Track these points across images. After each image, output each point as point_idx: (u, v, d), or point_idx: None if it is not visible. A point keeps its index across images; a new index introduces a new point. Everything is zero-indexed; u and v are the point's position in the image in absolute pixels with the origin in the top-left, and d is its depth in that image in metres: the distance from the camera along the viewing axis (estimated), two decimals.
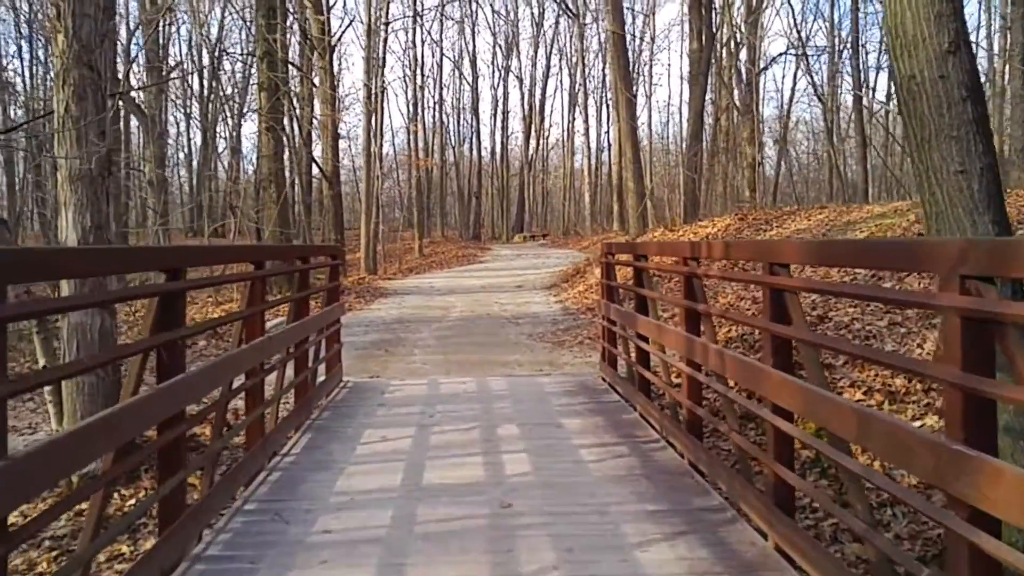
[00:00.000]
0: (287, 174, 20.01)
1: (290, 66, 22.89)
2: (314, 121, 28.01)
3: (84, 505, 4.23)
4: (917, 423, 5.93)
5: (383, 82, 27.97)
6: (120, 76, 17.35)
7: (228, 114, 40.05)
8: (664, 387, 5.93)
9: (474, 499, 4.58)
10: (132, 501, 6.04)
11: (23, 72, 36.28)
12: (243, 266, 5.52)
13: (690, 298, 5.20)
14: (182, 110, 43.55)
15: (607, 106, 53.49)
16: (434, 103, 50.58)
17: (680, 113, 47.46)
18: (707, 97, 22.49)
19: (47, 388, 6.72)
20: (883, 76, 40.64)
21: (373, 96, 25.39)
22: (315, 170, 28.15)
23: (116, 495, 6.13)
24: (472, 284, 19.63)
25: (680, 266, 5.27)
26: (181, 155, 46.02)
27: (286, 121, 25.44)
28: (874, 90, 36.23)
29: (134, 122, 33.16)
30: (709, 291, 10.90)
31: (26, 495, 2.52)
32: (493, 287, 18.60)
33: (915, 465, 2.37)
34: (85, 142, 6.59)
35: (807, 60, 27.22)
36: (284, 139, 16.21)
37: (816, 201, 27.70)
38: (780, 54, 34.91)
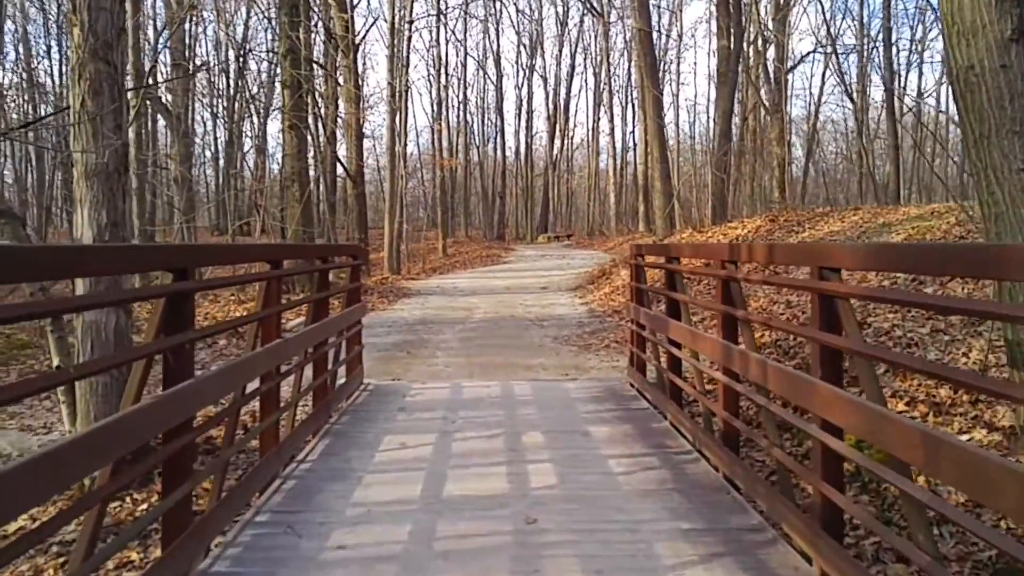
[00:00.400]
0: (311, 173, 19.90)
1: (314, 65, 22.79)
2: (338, 120, 27.94)
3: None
4: (964, 436, 5.62)
5: (407, 81, 27.83)
6: (144, 73, 17.33)
7: (254, 113, 40.20)
8: (697, 396, 5.65)
9: (497, 513, 4.34)
10: (144, 506, 5.86)
11: (52, 71, 36.62)
12: (263, 266, 5.31)
13: (728, 303, 4.92)
14: (209, 109, 43.76)
15: (632, 105, 53.11)
16: (458, 103, 50.50)
17: (708, 112, 46.96)
18: (735, 96, 22.08)
19: (60, 388, 6.57)
20: (914, 74, 39.83)
21: (397, 95, 25.24)
22: (339, 169, 28.09)
23: (128, 499, 5.96)
24: (496, 285, 19.39)
25: (717, 269, 5.00)
26: (208, 154, 46.23)
27: (310, 120, 25.38)
28: (905, 88, 35.57)
29: (162, 121, 33.34)
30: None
31: (15, 511, 2.32)
32: (517, 288, 18.35)
33: (1000, 500, 2.09)
34: (101, 137, 6.43)
35: (837, 57, 26.72)
36: (308, 137, 16.06)
37: (845, 203, 27.22)
38: (809, 52, 34.35)
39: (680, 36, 42.40)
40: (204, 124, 46.03)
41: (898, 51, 32.62)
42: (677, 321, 6.27)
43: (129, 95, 18.08)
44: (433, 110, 38.99)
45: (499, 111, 54.52)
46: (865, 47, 30.73)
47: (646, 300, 7.62)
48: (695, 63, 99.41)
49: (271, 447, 4.94)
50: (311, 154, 22.61)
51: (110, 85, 6.55)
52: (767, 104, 30.45)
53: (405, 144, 27.72)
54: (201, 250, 4.56)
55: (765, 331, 8.69)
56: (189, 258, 3.69)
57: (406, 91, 27.53)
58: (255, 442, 5.67)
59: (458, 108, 50.48)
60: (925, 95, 36.46)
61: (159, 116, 34.77)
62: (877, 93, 36.34)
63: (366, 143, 39.88)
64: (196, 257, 3.88)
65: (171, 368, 3.50)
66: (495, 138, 55.15)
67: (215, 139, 46.41)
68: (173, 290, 3.46)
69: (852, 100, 26.51)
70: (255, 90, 39.05)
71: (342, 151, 28.38)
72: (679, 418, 6.05)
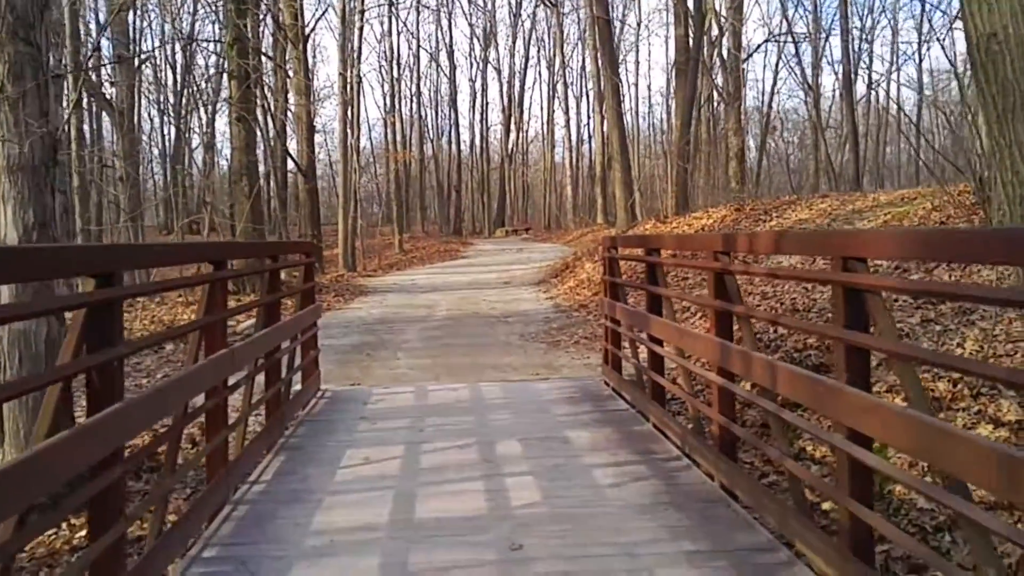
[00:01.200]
0: (261, 168, 19.19)
1: (262, 56, 22.01)
2: (288, 114, 27.15)
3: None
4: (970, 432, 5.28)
5: (359, 73, 27.12)
6: (82, 62, 16.46)
7: (201, 107, 39.02)
8: (686, 397, 5.24)
9: (477, 539, 3.87)
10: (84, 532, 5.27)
11: None
12: (207, 266, 4.75)
13: (722, 298, 4.51)
14: (156, 105, 42.45)
15: (587, 97, 52.87)
16: (411, 96, 49.79)
17: (665, 103, 46.87)
18: (695, 84, 21.79)
19: None
20: (864, 64, 40.10)
21: (349, 86, 24.56)
22: (291, 165, 27.30)
23: (65, 525, 5.36)
24: (457, 280, 18.88)
25: (710, 262, 4.58)
26: (156, 151, 44.86)
27: (259, 114, 24.58)
28: (858, 76, 35.74)
29: (109, 120, 32.13)
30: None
31: None
32: (479, 284, 17.85)
33: None
34: (23, 125, 5.81)
35: (795, 44, 26.65)
36: (256, 130, 15.38)
37: (801, 192, 27.17)
38: (766, 40, 34.28)
39: (639, 24, 42.11)
40: (151, 120, 44.68)
41: (853, 39, 32.71)
42: (660, 317, 5.86)
43: (68, 86, 17.20)
44: (386, 103, 38.30)
45: (453, 104, 53.90)
46: (819, 36, 30.78)
47: (622, 295, 7.20)
48: (649, 55, 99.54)
49: (219, 469, 4.40)
50: (261, 148, 21.86)
51: (33, 68, 5.92)
52: (723, 93, 30.34)
53: (358, 137, 27.04)
54: (128, 251, 4.00)
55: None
56: (115, 260, 3.15)
57: (358, 83, 26.83)
58: (203, 460, 5.13)
59: (411, 101, 49.80)
60: (876, 84, 36.76)
61: (104, 113, 33.55)
62: (828, 81, 36.51)
63: (318, 138, 39.03)
64: (123, 259, 3.33)
65: (96, 390, 2.97)
66: (449, 131, 54.56)
67: (163, 136, 45.06)
68: (95, 299, 2.93)
69: (809, 87, 26.46)
70: (203, 84, 37.91)
71: (293, 146, 27.64)
72: (664, 421, 5.64)
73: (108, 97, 27.48)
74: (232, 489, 4.55)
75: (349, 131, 23.60)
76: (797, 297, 8.32)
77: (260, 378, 5.77)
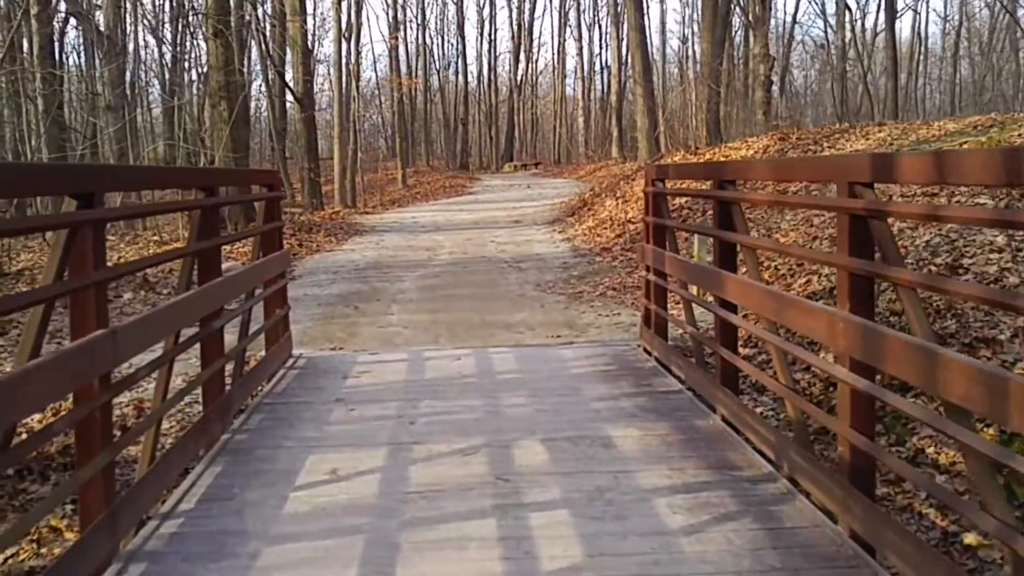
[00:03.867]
0: (257, 103, 17.44)
1: None
2: (286, 38, 25.21)
3: None
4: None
5: None
6: None
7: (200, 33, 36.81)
8: (789, 397, 3.67)
9: None
10: None
11: None
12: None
13: (862, 254, 2.94)
14: (153, 34, 40.16)
15: (600, 26, 50.43)
16: (417, 25, 47.38)
17: (689, 27, 44.51)
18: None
19: None
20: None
21: None
22: (289, 96, 25.43)
23: None
24: (462, 219, 17.22)
25: (842, 199, 2.99)
26: (157, 84, 42.68)
27: (253, 37, 22.68)
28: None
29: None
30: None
31: None
32: (486, 222, 16.21)
33: None
34: None
35: None
36: (234, 46, 13.63)
37: (828, 122, 25.19)
38: None
39: None
40: (149, 49, 42.37)
41: None
42: (735, 275, 4.29)
43: None
44: (390, 25, 36.08)
45: (460, 31, 51.34)
46: None
47: (671, 242, 5.61)
48: None
49: (97, 511, 2.89)
50: (247, 69, 20.05)
51: None
52: (749, 18, 28.19)
53: (358, 58, 25.11)
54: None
55: (808, 275, 6.75)
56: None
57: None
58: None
59: (417, 30, 47.39)
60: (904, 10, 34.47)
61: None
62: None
63: (321, 69, 37.03)
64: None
65: None
66: (456, 61, 52.12)
67: (162, 66, 42.80)
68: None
69: (848, 8, 24.34)
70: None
71: (290, 75, 25.72)
72: (743, 417, 4.12)
73: (93, 20, 25.55)
74: (120, 539, 3.05)
75: (346, 50, 21.68)
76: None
77: (198, 361, 4.27)
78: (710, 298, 5.03)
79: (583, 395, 5.03)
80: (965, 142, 9.56)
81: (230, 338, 4.88)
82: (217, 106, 13.37)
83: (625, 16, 19.42)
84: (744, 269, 4.33)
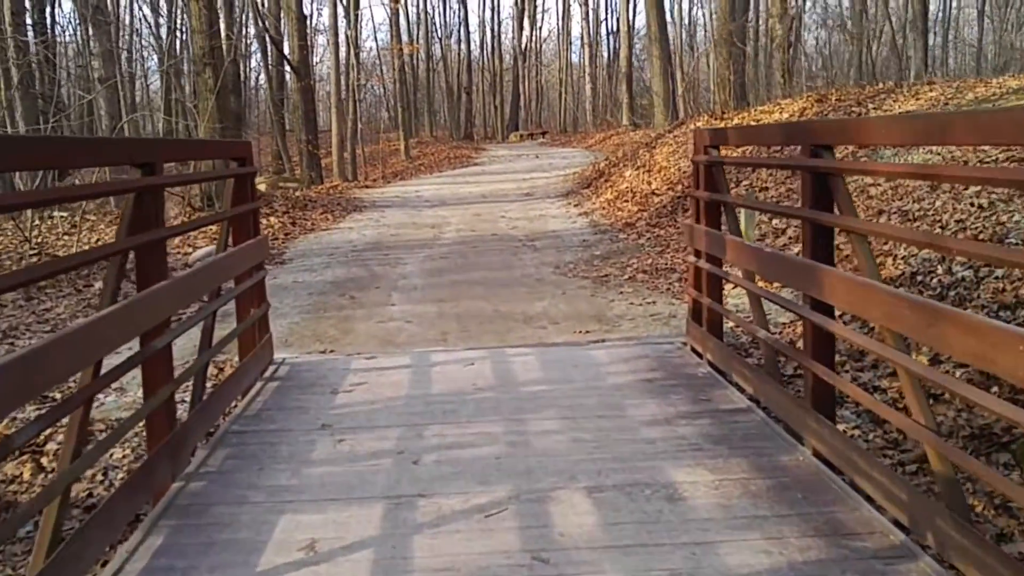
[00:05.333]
0: (257, 73, 16.32)
1: None
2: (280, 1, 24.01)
3: None
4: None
5: None
6: None
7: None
8: (944, 448, 2.64)
9: None
10: None
11: None
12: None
13: None
14: (149, 6, 38.72)
15: None
16: None
17: None
18: None
19: None
20: None
21: None
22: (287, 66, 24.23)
23: None
24: (469, 192, 16.12)
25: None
26: (155, 58, 41.30)
27: (250, 10, 21.49)
28: None
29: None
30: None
31: None
32: (495, 195, 15.11)
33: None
34: None
35: None
36: (220, 6, 12.52)
37: (844, 83, 23.91)
38: None
39: None
40: (146, 22, 40.97)
41: None
42: (841, 271, 3.26)
43: None
44: None
45: None
46: None
47: (731, 221, 4.57)
48: None
49: None
50: (243, 35, 18.91)
51: None
52: None
53: (357, 24, 23.91)
54: None
55: (894, 258, 5.71)
56: None
57: None
58: None
59: None
60: None
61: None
62: None
63: (320, 40, 35.74)
64: None
65: None
66: (458, 29, 50.68)
67: (158, 38, 41.45)
68: None
69: None
70: None
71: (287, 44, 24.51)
72: (851, 459, 3.11)
73: None
74: None
75: (340, 12, 20.48)
76: None
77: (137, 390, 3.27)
78: (785, 292, 4.02)
79: (629, 416, 4.04)
80: None
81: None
82: (202, 73, 12.29)
83: None
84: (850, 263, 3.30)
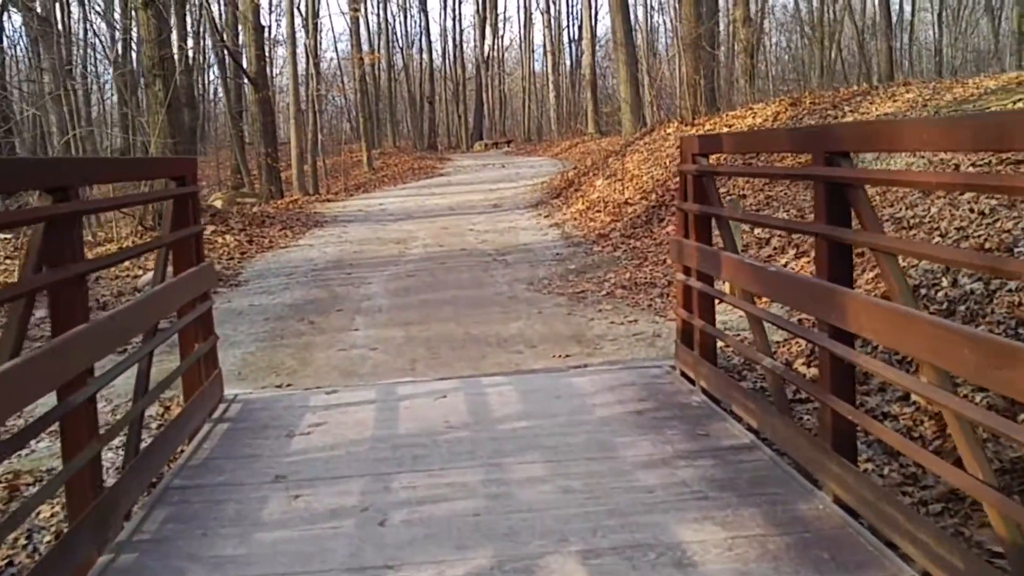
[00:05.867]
0: (215, 85, 15.68)
1: None
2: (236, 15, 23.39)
3: None
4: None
5: None
6: None
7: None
8: (1010, 508, 2.23)
9: None
10: None
11: None
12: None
13: None
14: (103, 19, 37.68)
15: None
16: (378, 2, 45.33)
17: None
18: None
19: None
20: None
21: None
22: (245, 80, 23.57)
23: None
24: (435, 204, 15.63)
25: None
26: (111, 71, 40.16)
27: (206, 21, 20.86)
28: None
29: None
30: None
31: None
32: (463, 207, 14.64)
33: None
34: None
35: None
36: (172, 17, 11.95)
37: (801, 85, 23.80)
38: None
39: None
40: (101, 37, 39.96)
41: None
42: (866, 296, 2.87)
43: None
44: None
45: (423, 7, 49.37)
46: None
47: (727, 237, 4.16)
48: None
49: None
50: (200, 47, 18.28)
51: None
52: None
53: (316, 34, 23.38)
54: None
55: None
56: None
57: None
58: None
59: (378, 6, 45.32)
60: None
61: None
62: None
63: (280, 52, 35.02)
64: None
65: None
66: (420, 38, 50.17)
67: (114, 51, 40.33)
68: None
69: None
70: None
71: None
72: (886, 512, 2.71)
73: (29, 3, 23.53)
74: None
75: (298, 21, 19.92)
76: None
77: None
78: (774, 308, 3.62)
79: (622, 457, 3.61)
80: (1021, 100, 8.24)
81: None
82: (151, 85, 11.67)
83: None
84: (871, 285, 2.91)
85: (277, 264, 9.66)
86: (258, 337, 6.34)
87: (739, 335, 5.45)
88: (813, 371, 5.05)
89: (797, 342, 5.19)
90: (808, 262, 6.34)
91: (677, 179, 10.01)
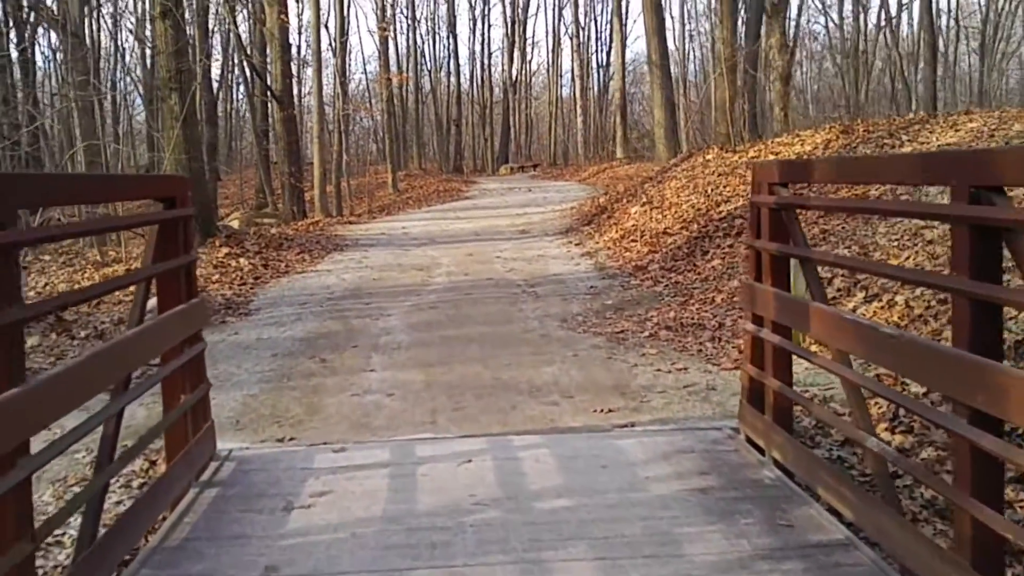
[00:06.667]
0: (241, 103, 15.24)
1: None
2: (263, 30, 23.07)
3: None
4: None
5: None
6: None
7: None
8: None
9: None
10: None
11: None
12: None
13: None
14: (135, 36, 37.70)
15: (595, 23, 48.34)
16: (407, 25, 45.19)
17: (688, 22, 42.52)
18: None
19: None
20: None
21: None
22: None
23: None
24: (460, 229, 15.02)
25: None
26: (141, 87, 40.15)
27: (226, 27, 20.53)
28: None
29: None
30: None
31: None
32: (489, 232, 14.02)
33: None
34: None
35: None
36: (193, 28, 11.49)
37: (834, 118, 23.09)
38: None
39: None
40: (125, 50, 39.97)
41: None
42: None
43: None
44: (378, 17, 34.02)
45: (452, 30, 49.18)
46: None
47: (815, 286, 3.47)
48: None
49: None
50: (226, 63, 17.84)
51: None
52: (767, 5, 26.21)
53: (344, 52, 23.02)
54: None
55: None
56: None
57: None
58: None
59: (408, 30, 45.15)
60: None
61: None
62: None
63: (309, 72, 34.79)
64: None
65: None
66: (448, 62, 49.93)
67: (145, 66, 40.33)
68: None
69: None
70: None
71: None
72: None
73: (55, 16, 23.38)
74: None
75: (326, 37, 19.49)
76: None
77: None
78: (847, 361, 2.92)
79: (688, 556, 2.93)
80: None
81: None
82: (167, 99, 11.20)
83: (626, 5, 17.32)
84: None
85: (292, 291, 9.05)
86: (263, 377, 5.71)
87: (807, 391, 4.77)
88: (898, 438, 4.37)
89: (875, 401, 4.48)
90: (881, 307, 5.63)
91: (721, 208, 9.35)
